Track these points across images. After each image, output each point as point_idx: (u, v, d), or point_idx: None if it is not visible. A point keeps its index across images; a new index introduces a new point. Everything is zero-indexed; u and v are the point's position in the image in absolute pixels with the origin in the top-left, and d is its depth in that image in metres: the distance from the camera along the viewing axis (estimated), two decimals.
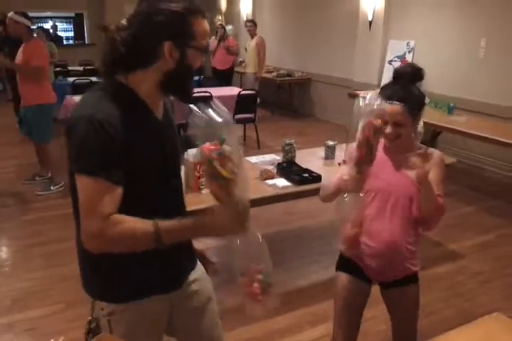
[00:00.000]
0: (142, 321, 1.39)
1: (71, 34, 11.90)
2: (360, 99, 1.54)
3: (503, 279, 3.24)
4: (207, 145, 1.18)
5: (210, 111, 1.19)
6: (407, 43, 6.54)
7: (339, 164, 1.96)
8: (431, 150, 1.77)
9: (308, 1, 8.39)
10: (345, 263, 1.90)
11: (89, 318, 1.40)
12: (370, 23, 6.91)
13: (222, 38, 7.96)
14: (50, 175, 4.87)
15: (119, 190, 1.20)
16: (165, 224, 1.19)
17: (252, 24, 7.88)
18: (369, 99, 1.53)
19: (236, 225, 1.22)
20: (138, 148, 1.24)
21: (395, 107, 1.69)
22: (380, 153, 1.74)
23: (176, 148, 1.43)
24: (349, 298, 1.88)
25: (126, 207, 1.21)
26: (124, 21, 1.27)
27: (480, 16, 5.52)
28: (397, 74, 1.78)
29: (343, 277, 1.89)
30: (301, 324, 2.71)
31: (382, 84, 1.95)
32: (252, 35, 7.89)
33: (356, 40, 7.22)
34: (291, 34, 8.88)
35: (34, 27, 4.57)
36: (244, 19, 10.00)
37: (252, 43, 7.88)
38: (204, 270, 1.60)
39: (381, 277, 1.86)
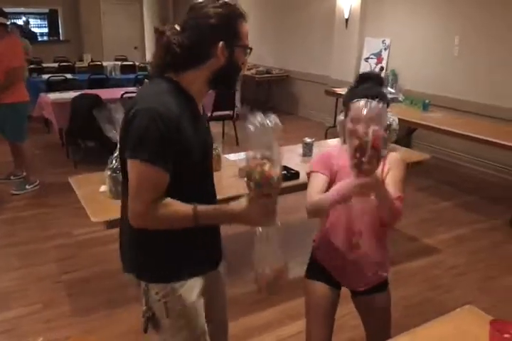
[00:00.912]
0: (196, 297, 1.51)
1: (45, 30, 11.68)
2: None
3: (477, 272, 3.32)
4: (254, 158, 1.30)
5: (260, 116, 1.34)
6: (383, 41, 6.62)
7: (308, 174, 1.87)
8: (389, 153, 1.78)
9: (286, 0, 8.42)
10: (315, 269, 1.89)
11: (144, 307, 1.49)
12: (347, 20, 6.97)
13: None
14: (25, 174, 4.80)
15: (168, 178, 1.33)
16: (203, 208, 1.35)
17: None
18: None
19: (264, 218, 1.35)
20: (189, 141, 1.36)
21: (374, 104, 1.65)
22: (342, 154, 1.71)
23: (212, 140, 1.59)
24: (321, 305, 1.87)
25: (170, 193, 1.34)
26: (177, 26, 1.40)
27: (454, 14, 5.61)
28: (364, 76, 1.79)
29: (314, 285, 1.88)
30: (282, 319, 2.73)
31: None
32: None
33: (333, 38, 7.27)
34: (269, 32, 8.89)
35: (8, 23, 4.40)
36: None
37: None
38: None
39: (352, 284, 1.86)
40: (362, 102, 1.64)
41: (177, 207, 1.34)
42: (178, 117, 1.32)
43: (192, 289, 1.50)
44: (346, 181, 1.54)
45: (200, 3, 1.40)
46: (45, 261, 3.39)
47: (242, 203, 1.35)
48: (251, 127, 1.31)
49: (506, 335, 1.35)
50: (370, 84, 1.73)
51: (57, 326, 2.68)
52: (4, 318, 2.75)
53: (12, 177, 4.90)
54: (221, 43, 1.37)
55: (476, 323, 1.54)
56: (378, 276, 1.83)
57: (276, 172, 1.30)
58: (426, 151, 4.86)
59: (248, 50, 1.47)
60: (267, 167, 1.28)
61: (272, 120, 1.34)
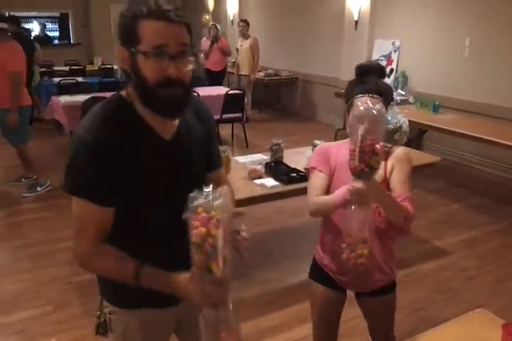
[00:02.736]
0: (140, 327, 1.40)
1: (56, 34, 11.79)
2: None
3: (488, 275, 3.29)
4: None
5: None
6: (393, 43, 6.59)
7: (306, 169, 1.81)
8: (394, 148, 1.71)
9: (295, 1, 8.42)
10: (318, 273, 1.84)
11: (98, 313, 1.44)
12: (356, 22, 6.95)
13: (216, 38, 7.77)
14: (35, 176, 4.84)
15: (108, 212, 1.20)
16: (146, 270, 1.17)
17: (244, 24, 7.74)
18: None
19: (209, 305, 1.10)
20: (132, 169, 1.19)
21: (375, 101, 1.55)
22: (340, 152, 1.69)
23: (187, 169, 1.30)
24: (325, 309, 1.85)
25: (125, 226, 1.23)
26: None
27: (464, 16, 5.58)
28: (365, 68, 1.67)
29: (317, 288, 1.84)
30: (291, 322, 2.73)
31: None
32: (245, 35, 7.83)
33: (343, 40, 7.26)
34: (278, 34, 8.90)
35: (6, 27, 4.37)
36: (231, 19, 10.00)
37: (245, 44, 7.77)
38: None
39: (356, 287, 1.82)
40: (365, 99, 1.55)
41: (114, 261, 1.20)
42: (117, 144, 1.16)
43: (136, 321, 1.38)
44: (347, 186, 1.48)
45: None
46: (56, 263, 3.42)
47: (186, 280, 1.11)
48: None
49: None
50: (371, 78, 1.63)
51: (69, 327, 2.70)
52: (16, 319, 2.77)
53: (23, 180, 4.94)
54: (121, 49, 1.18)
55: (487, 326, 1.53)
56: (383, 279, 1.78)
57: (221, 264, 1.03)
58: (437, 153, 4.83)
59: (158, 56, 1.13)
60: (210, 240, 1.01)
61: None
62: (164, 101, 1.16)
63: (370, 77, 1.63)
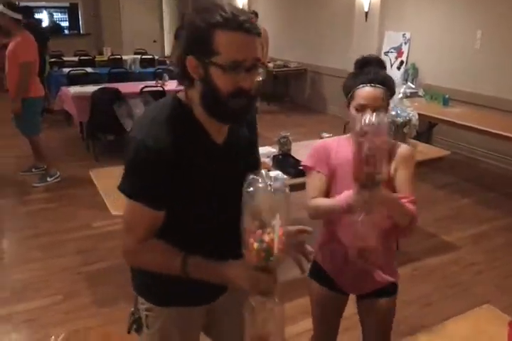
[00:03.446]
0: (176, 324, 1.42)
1: (66, 24, 11.78)
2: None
3: (496, 270, 3.28)
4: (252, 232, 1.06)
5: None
6: (403, 35, 6.53)
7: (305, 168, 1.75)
8: (398, 146, 1.64)
9: None
10: (318, 272, 1.80)
11: (132, 309, 1.46)
12: (367, 14, 6.88)
13: None
14: (45, 166, 4.87)
15: (159, 215, 1.22)
16: (193, 260, 1.20)
17: (253, 16, 7.71)
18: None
19: (259, 292, 1.14)
20: (187, 173, 1.20)
21: (377, 90, 1.54)
22: (340, 148, 1.65)
23: (232, 173, 1.25)
24: (324, 308, 1.83)
25: (171, 229, 1.24)
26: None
27: (476, 8, 5.51)
28: (365, 60, 1.64)
29: (317, 288, 1.80)
30: (295, 315, 2.73)
31: None
32: None
33: (353, 31, 7.20)
34: (287, 25, 8.84)
35: (20, 18, 4.39)
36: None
37: None
38: None
39: (355, 290, 1.78)
40: (367, 88, 1.53)
41: (162, 252, 1.22)
42: (177, 148, 1.17)
43: (174, 318, 1.41)
44: (351, 192, 1.45)
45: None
46: (65, 253, 3.45)
47: (234, 267, 1.16)
48: (257, 188, 1.05)
49: None
50: (371, 68, 1.60)
51: (78, 317, 2.73)
52: (26, 308, 2.81)
53: (34, 170, 4.98)
54: (189, 58, 1.14)
55: (494, 323, 1.53)
56: (383, 281, 1.72)
57: (279, 248, 1.07)
58: (446, 147, 4.80)
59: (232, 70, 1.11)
60: (266, 238, 1.05)
61: (280, 182, 1.06)
62: (233, 111, 1.17)
63: (371, 68, 1.60)
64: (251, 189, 1.05)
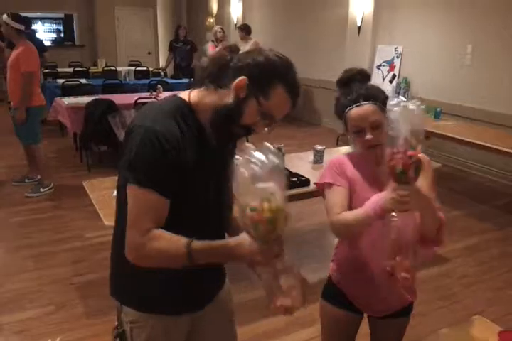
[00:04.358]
0: (161, 334, 1.42)
1: (60, 35, 11.84)
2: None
3: (487, 283, 3.31)
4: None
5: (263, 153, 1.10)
6: (395, 48, 6.63)
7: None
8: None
9: (298, 6, 8.47)
10: (333, 293, 1.72)
11: (116, 323, 1.44)
12: (359, 28, 6.99)
13: (223, 42, 7.77)
14: (39, 177, 4.87)
15: (166, 203, 1.22)
16: (198, 244, 1.19)
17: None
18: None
19: (267, 263, 1.16)
20: (186, 169, 1.23)
21: (364, 108, 1.49)
22: (352, 165, 1.61)
23: (223, 172, 1.32)
24: (339, 333, 1.76)
25: (167, 221, 1.24)
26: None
27: (467, 23, 5.62)
28: (346, 78, 1.59)
29: (332, 311, 1.72)
30: (288, 326, 2.75)
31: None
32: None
33: (345, 45, 7.30)
34: (280, 38, 8.94)
35: (23, 29, 4.44)
36: (234, 22, 10.04)
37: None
38: (229, 290, 1.61)
39: (374, 311, 1.69)
40: (354, 109, 1.50)
41: (169, 241, 1.21)
42: (178, 139, 1.21)
43: (160, 327, 1.41)
44: (380, 195, 1.39)
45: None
46: (58, 263, 3.44)
47: (243, 244, 1.17)
48: (254, 166, 1.06)
49: None
50: (353, 87, 1.54)
51: (70, 328, 2.72)
52: (18, 319, 2.79)
53: (26, 180, 4.97)
54: (244, 78, 1.21)
55: (484, 333, 1.55)
56: (403, 301, 1.66)
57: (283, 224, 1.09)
58: (438, 159, 4.86)
59: (262, 116, 1.23)
60: (267, 212, 1.06)
61: (275, 155, 1.09)
62: (230, 135, 1.28)
63: (352, 86, 1.55)
64: (240, 158, 1.08)
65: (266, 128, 1.29)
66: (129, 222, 1.22)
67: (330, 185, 1.59)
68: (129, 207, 1.22)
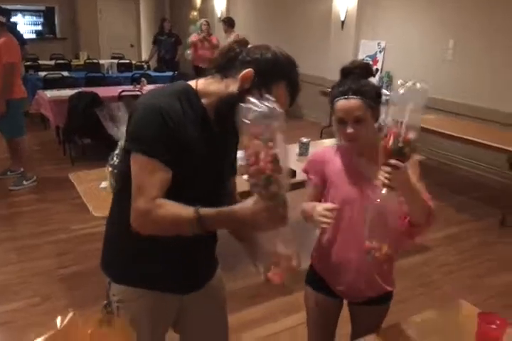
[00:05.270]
0: (148, 313, 1.46)
1: (41, 28, 11.65)
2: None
3: (466, 271, 3.40)
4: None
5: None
6: (378, 43, 6.70)
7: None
8: None
9: (283, 0, 8.48)
10: (314, 279, 1.79)
11: (105, 302, 1.46)
12: (343, 23, 7.04)
13: (208, 35, 7.84)
14: (22, 169, 4.83)
15: (169, 174, 1.26)
16: (205, 211, 1.22)
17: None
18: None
19: (273, 223, 1.19)
20: (186, 145, 1.28)
21: (351, 101, 1.52)
22: (337, 157, 1.67)
23: (223, 158, 1.43)
24: (321, 317, 1.82)
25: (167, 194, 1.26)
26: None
27: (449, 18, 5.70)
28: (346, 70, 1.61)
29: (313, 296, 1.79)
30: (275, 313, 2.80)
31: None
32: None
33: (329, 39, 7.34)
34: (264, 32, 8.94)
35: (3, 21, 4.39)
36: (218, 16, 10.02)
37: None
38: (221, 278, 1.65)
39: (349, 297, 1.75)
40: (342, 101, 1.54)
41: (177, 207, 1.23)
42: (180, 116, 1.27)
43: (147, 304, 1.45)
44: (318, 207, 1.51)
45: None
46: (43, 256, 3.43)
47: (247, 206, 1.19)
48: (253, 111, 1.11)
49: (493, 326, 1.42)
50: (349, 80, 1.57)
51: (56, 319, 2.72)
52: (3, 310, 2.79)
53: (9, 173, 4.92)
54: (250, 70, 1.27)
55: (464, 315, 1.61)
56: (378, 289, 1.71)
57: (284, 166, 1.14)
58: (420, 153, 4.94)
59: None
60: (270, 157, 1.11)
61: (271, 103, 1.14)
62: (233, 124, 1.25)
63: (349, 79, 1.58)
64: (244, 106, 1.12)
65: None
66: (135, 190, 1.25)
67: (307, 174, 1.76)
68: (133, 176, 1.26)
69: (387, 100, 1.43)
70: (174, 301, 1.51)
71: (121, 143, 2.66)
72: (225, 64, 1.33)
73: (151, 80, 6.77)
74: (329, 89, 1.67)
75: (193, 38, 7.90)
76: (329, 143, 3.99)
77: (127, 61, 9.04)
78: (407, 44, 6.28)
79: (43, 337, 0.95)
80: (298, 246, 1.33)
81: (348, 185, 1.61)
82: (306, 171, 1.77)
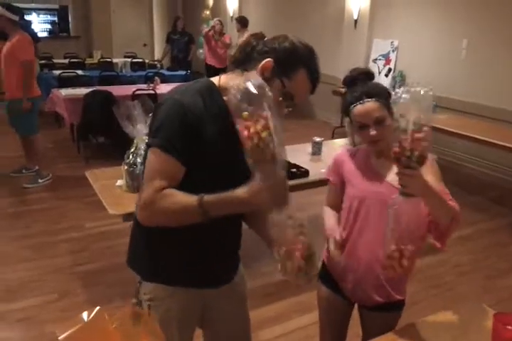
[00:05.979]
0: (177, 312, 1.49)
1: (55, 26, 11.75)
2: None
3: (480, 271, 3.39)
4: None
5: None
6: (391, 42, 6.67)
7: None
8: None
9: None
10: (326, 276, 1.80)
11: (135, 300, 1.48)
12: (356, 22, 7.02)
13: (221, 34, 7.84)
14: (37, 167, 4.89)
15: (181, 169, 1.28)
16: (209, 196, 1.23)
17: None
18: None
19: (275, 200, 1.23)
20: (204, 142, 1.29)
21: (368, 105, 1.55)
22: (355, 158, 1.71)
23: (240, 155, 1.33)
24: (331, 313, 1.84)
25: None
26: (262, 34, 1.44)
27: (462, 18, 5.66)
28: (351, 78, 1.65)
29: (324, 291, 1.81)
30: (289, 313, 2.81)
31: None
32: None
33: (342, 39, 7.33)
34: (277, 31, 8.76)
35: (17, 19, 4.43)
36: (231, 15, 10.04)
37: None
38: (242, 275, 1.68)
39: (357, 297, 1.74)
40: (358, 106, 1.56)
41: (181, 196, 1.25)
42: (203, 114, 1.28)
43: (178, 301, 1.47)
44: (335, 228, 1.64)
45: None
46: (58, 254, 3.48)
47: (247, 187, 1.22)
48: (248, 89, 1.13)
49: (509, 327, 1.42)
50: (358, 86, 1.61)
51: (73, 315, 2.74)
52: (21, 307, 2.84)
53: (24, 171, 4.99)
54: (270, 60, 1.30)
55: (480, 316, 1.61)
56: (387, 295, 1.69)
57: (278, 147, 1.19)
58: (432, 152, 4.91)
59: (284, 95, 1.32)
60: (264, 134, 1.15)
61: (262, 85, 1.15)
62: None
63: (358, 85, 1.61)
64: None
65: (286, 110, 1.38)
66: (146, 181, 1.28)
67: (328, 181, 1.82)
68: (146, 167, 1.30)
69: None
70: (200, 298, 1.53)
71: (136, 141, 2.69)
72: (244, 58, 1.35)
73: (164, 79, 6.81)
74: (342, 89, 1.71)
75: (205, 30, 7.87)
76: (341, 143, 4.00)
77: (140, 60, 9.09)
78: (420, 43, 6.25)
79: (70, 331, 0.97)
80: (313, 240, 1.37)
81: (364, 183, 1.66)
82: (328, 176, 1.82)
